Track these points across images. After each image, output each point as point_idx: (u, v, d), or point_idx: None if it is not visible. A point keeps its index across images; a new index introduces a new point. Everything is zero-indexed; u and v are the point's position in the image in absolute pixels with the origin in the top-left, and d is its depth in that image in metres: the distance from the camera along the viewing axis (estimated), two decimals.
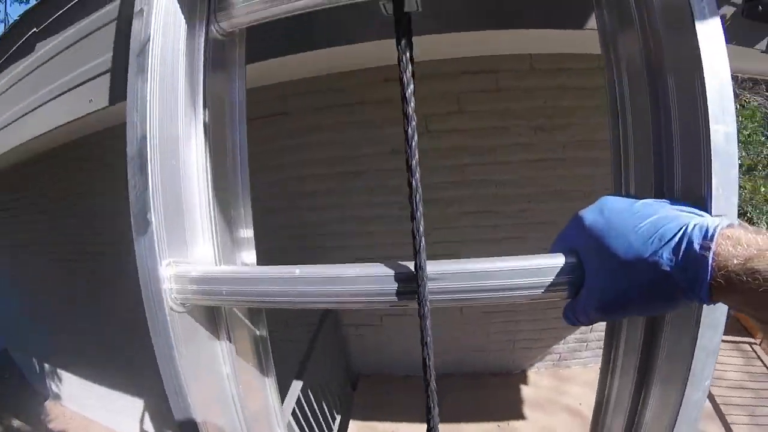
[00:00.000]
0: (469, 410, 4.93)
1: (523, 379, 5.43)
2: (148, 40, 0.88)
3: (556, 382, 5.40)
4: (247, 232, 1.15)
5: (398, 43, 0.74)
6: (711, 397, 5.19)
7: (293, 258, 2.40)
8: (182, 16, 0.95)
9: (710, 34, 0.72)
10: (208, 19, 1.00)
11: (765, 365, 5.86)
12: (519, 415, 4.99)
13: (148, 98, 0.88)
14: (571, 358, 5.46)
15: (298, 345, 4.13)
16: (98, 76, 2.00)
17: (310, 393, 3.59)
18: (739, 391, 5.41)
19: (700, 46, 0.71)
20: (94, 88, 2.02)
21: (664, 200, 0.70)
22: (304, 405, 3.49)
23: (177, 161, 0.96)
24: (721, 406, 5.11)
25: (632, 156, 1.02)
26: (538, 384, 5.37)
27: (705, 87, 0.71)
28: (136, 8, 0.90)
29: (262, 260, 1.11)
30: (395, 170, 3.65)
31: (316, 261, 1.03)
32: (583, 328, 5.05)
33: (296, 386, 3.33)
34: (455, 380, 5.26)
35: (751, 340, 6.22)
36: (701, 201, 0.71)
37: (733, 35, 1.76)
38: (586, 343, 5.31)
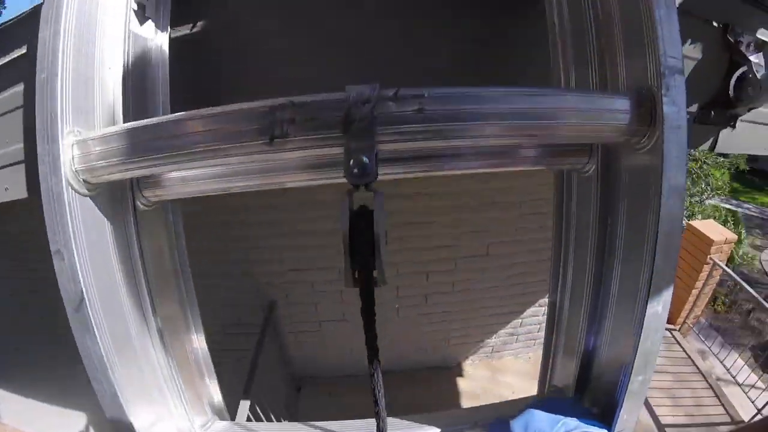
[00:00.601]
0: (409, 406, 4.94)
1: (459, 372, 5.68)
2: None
3: (490, 372, 5.70)
4: None
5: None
6: None
7: None
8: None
9: None
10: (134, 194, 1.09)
11: (684, 350, 6.37)
12: (457, 408, 5.17)
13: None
14: (503, 349, 5.78)
15: (238, 354, 4.16)
16: (12, 165, 1.81)
17: (257, 408, 3.62)
18: (661, 375, 5.85)
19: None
20: (8, 176, 1.82)
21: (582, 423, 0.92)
22: (253, 421, 3.51)
23: None
24: None
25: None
26: (474, 376, 5.64)
27: None
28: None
29: None
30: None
31: None
32: (513, 322, 5.44)
33: (244, 406, 3.36)
34: (394, 377, 5.32)
35: (671, 326, 6.76)
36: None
37: (687, 141, 2.02)
38: (516, 336, 5.64)
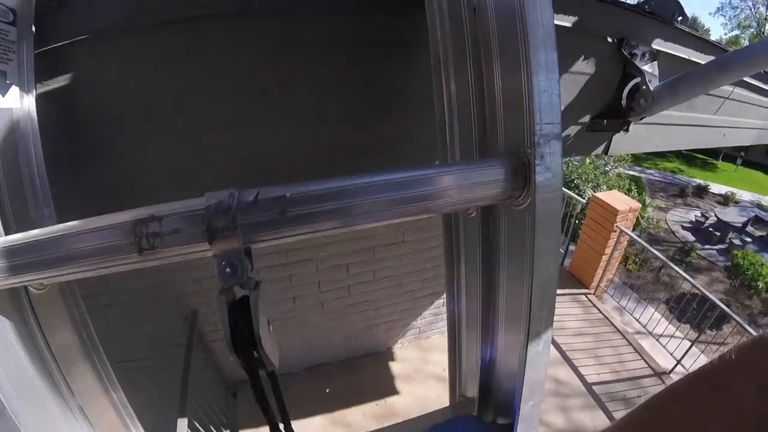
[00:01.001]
0: (348, 395, 5.20)
1: (391, 356, 5.81)
2: None
3: (420, 352, 5.87)
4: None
5: None
6: (556, 345, 5.96)
7: None
8: None
9: None
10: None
11: (600, 312, 6.78)
12: (393, 391, 5.36)
13: None
14: (429, 329, 5.97)
15: (168, 368, 4.04)
16: None
17: (196, 423, 3.55)
18: (581, 337, 6.26)
19: None
20: None
21: None
22: None
23: None
24: (567, 352, 5.90)
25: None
26: (405, 358, 5.79)
27: None
28: None
29: None
30: None
31: None
32: (437, 302, 5.62)
33: (182, 424, 3.28)
34: (329, 368, 5.49)
35: (586, 290, 7.16)
36: None
37: (577, 149, 2.10)
38: (440, 315, 5.83)
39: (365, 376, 5.48)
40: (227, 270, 0.75)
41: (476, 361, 1.26)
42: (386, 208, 0.82)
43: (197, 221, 0.74)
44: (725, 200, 20.13)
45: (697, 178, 23.75)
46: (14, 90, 1.07)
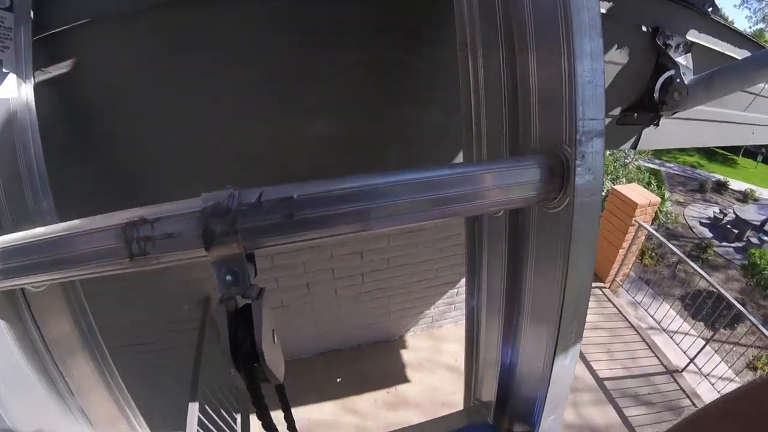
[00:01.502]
0: (359, 382, 5.20)
1: (403, 344, 5.79)
2: None
3: (432, 342, 5.84)
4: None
5: None
6: None
7: None
8: None
9: None
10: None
11: (615, 306, 6.68)
12: (404, 379, 5.36)
13: None
14: (442, 318, 5.93)
15: (180, 352, 4.03)
16: None
17: (207, 407, 3.54)
18: (594, 331, 6.18)
19: None
20: None
21: None
22: (206, 422, 3.44)
23: None
24: (581, 347, 5.80)
25: None
26: (417, 347, 5.76)
27: None
28: None
29: None
30: None
31: None
32: (450, 292, 5.57)
33: (193, 408, 3.25)
34: (341, 355, 5.50)
35: (602, 284, 7.06)
36: None
37: (606, 144, 1.97)
38: (453, 305, 5.78)
39: (377, 363, 5.48)
40: (227, 278, 0.69)
41: (495, 365, 1.19)
42: (406, 212, 0.74)
43: (193, 224, 0.66)
44: (744, 197, 19.79)
45: (716, 173, 23.37)
46: (11, 78, 1.03)
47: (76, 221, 0.71)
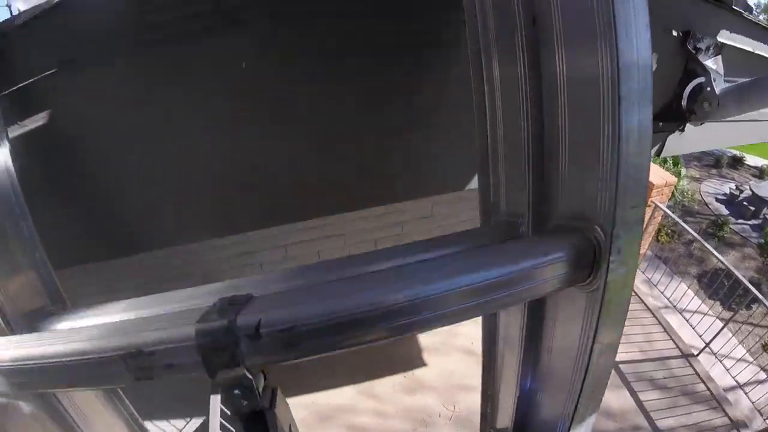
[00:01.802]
0: (376, 367, 5.27)
1: None
2: None
3: (447, 326, 5.83)
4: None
5: None
6: None
7: None
8: None
9: None
10: None
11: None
12: (421, 363, 5.43)
13: None
14: None
15: None
16: None
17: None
18: None
19: None
20: None
21: None
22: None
23: None
24: None
25: None
26: (432, 331, 5.73)
27: None
28: None
29: None
30: None
31: None
32: None
33: (215, 400, 3.25)
34: None
35: None
36: None
37: None
38: None
39: (393, 348, 5.50)
40: (236, 392, 0.66)
41: (515, 388, 1.13)
42: (416, 326, 0.71)
43: (191, 354, 0.63)
44: (761, 173, 19.38)
45: (732, 148, 22.92)
46: None
47: (76, 341, 0.70)
